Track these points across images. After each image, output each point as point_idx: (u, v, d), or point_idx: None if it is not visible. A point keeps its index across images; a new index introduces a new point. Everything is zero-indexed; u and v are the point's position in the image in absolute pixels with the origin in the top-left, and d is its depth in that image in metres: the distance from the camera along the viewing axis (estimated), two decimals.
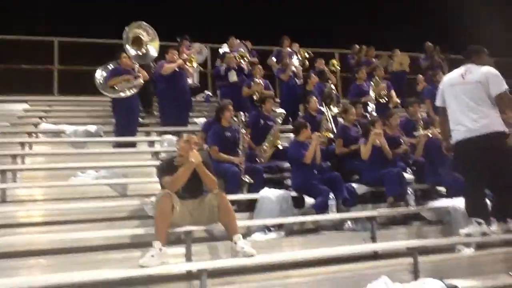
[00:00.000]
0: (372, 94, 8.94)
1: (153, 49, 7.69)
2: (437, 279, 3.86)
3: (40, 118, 8.60)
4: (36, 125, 8.08)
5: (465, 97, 4.55)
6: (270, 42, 11.21)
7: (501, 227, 4.49)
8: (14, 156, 6.25)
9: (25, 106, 9.24)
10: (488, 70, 4.60)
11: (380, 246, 4.95)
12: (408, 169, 6.42)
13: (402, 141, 6.56)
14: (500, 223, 4.51)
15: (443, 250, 4.92)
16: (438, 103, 4.84)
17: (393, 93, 9.20)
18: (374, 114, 8.55)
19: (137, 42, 7.57)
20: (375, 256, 4.85)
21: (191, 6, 14.55)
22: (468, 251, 4.83)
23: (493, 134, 4.46)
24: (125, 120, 7.49)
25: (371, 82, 9.17)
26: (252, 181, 5.72)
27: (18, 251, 4.37)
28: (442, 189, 6.11)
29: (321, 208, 5.38)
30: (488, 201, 4.62)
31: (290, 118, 8.43)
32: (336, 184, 5.60)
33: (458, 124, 4.55)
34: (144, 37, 7.60)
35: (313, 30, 14.41)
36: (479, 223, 4.43)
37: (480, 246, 4.89)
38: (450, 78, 4.79)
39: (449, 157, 5.27)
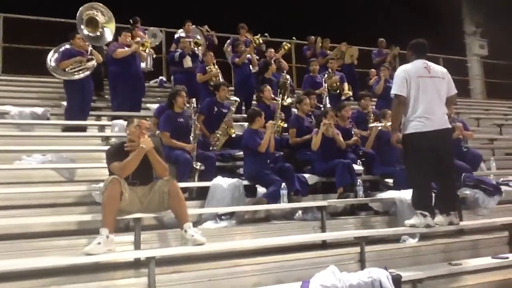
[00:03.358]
0: (325, 85, 9.05)
1: (108, 32, 7.46)
2: (382, 268, 3.96)
3: None
4: None
5: (434, 90, 4.63)
6: (228, 30, 11.12)
7: (444, 219, 4.65)
8: None
9: None
10: (444, 69, 4.80)
11: (329, 235, 5.04)
12: (358, 161, 6.55)
13: (353, 132, 6.70)
14: (443, 215, 4.66)
15: (389, 240, 5.08)
16: (400, 92, 4.65)
17: (345, 85, 9.36)
18: (328, 105, 8.68)
19: (93, 23, 7.31)
20: (324, 245, 4.94)
21: None
22: (412, 242, 4.99)
23: (448, 130, 4.72)
24: (78, 103, 7.25)
25: (325, 74, 9.28)
26: (203, 167, 5.68)
27: None
28: (390, 180, 6.29)
29: (273, 197, 5.41)
30: (432, 194, 4.78)
31: (243, 107, 8.42)
32: (288, 175, 5.64)
33: (422, 116, 4.56)
34: (100, 18, 7.35)
35: (270, 20, 14.40)
36: (424, 215, 4.59)
37: (423, 237, 5.06)
38: (414, 69, 4.70)
39: (398, 149, 5.41)
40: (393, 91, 4.75)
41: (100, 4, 7.45)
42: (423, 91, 4.63)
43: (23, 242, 4.13)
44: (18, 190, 5.07)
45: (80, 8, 7.31)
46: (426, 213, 4.60)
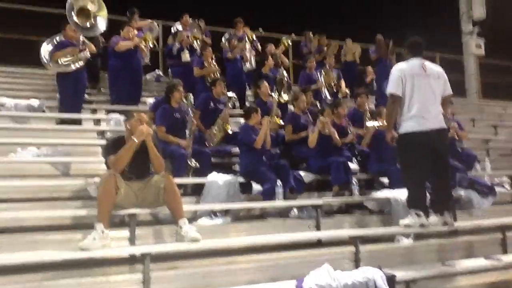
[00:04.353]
0: (322, 82, 9.04)
1: (101, 21, 7.28)
2: (376, 268, 3.98)
3: None
4: None
5: (429, 90, 4.63)
6: (226, 24, 11.07)
7: (438, 219, 4.66)
8: None
9: None
10: (441, 68, 4.80)
11: (324, 234, 5.05)
12: (354, 159, 6.56)
13: (350, 131, 6.70)
14: (438, 215, 4.68)
15: (383, 239, 5.09)
16: (395, 91, 4.65)
17: (342, 82, 9.35)
18: (329, 98, 8.69)
19: (84, 13, 7.13)
20: (319, 244, 4.96)
21: None
22: (407, 241, 5.01)
23: (444, 130, 4.73)
24: (71, 95, 7.16)
25: (322, 71, 9.27)
26: (198, 165, 5.66)
27: None
28: (385, 179, 6.30)
29: (268, 195, 5.41)
30: (427, 194, 4.80)
31: (235, 103, 8.39)
32: (284, 172, 5.64)
33: (418, 116, 4.56)
34: (91, 7, 7.17)
35: (268, 15, 14.37)
36: (418, 215, 4.61)
37: (417, 237, 5.08)
38: (410, 68, 4.68)
39: (393, 148, 5.42)
40: (388, 90, 4.76)
41: None
42: (418, 90, 4.62)
43: (17, 235, 4.14)
44: (12, 183, 5.04)
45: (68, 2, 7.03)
46: (421, 213, 4.61)
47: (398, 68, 4.77)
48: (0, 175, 5.24)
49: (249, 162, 5.78)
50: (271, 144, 6.00)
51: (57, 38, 7.37)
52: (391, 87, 4.70)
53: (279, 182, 5.38)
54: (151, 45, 8.94)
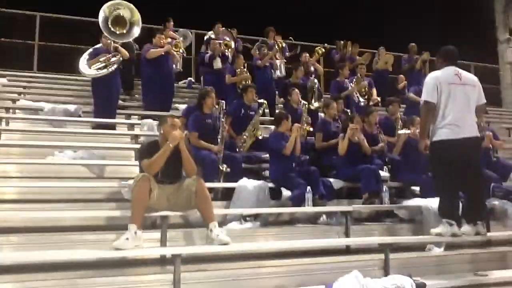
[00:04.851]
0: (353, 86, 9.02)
1: (135, 27, 7.42)
2: (406, 276, 3.94)
3: (19, 94, 8.44)
4: (14, 100, 7.94)
5: (464, 98, 4.59)
6: (258, 32, 11.19)
7: (471, 229, 4.58)
8: None
9: (4, 81, 9.04)
10: (475, 77, 4.75)
11: (353, 241, 5.02)
12: (384, 167, 6.51)
13: (380, 139, 6.66)
14: (470, 225, 4.60)
15: (413, 248, 5.01)
16: (430, 99, 4.60)
17: (374, 91, 9.31)
18: (362, 103, 8.64)
19: (120, 21, 7.35)
20: (347, 250, 4.93)
21: None
22: (438, 251, 4.93)
23: (477, 138, 4.66)
24: (104, 100, 7.40)
25: (353, 79, 9.25)
26: (228, 170, 5.73)
27: None
28: (416, 188, 6.23)
29: (298, 201, 5.43)
30: (460, 203, 4.73)
31: (266, 109, 8.45)
32: (313, 178, 5.65)
33: (452, 124, 4.51)
34: (125, 13, 7.35)
35: (300, 23, 14.44)
36: (450, 224, 4.54)
37: (449, 246, 4.99)
38: (445, 76, 4.65)
39: (425, 156, 5.36)
40: (423, 98, 4.72)
41: (118, 0, 7.31)
42: (453, 98, 4.58)
43: (54, 235, 4.25)
44: (50, 184, 5.22)
45: (101, 12, 7.22)
46: (453, 222, 4.54)
47: (433, 76, 4.73)
48: (38, 177, 5.45)
49: (279, 168, 5.81)
50: (300, 151, 6.03)
51: (95, 46, 7.62)
52: (426, 95, 4.66)
53: (308, 188, 5.39)
54: (182, 52, 9.08)
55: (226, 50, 9.09)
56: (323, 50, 10.18)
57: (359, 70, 9.50)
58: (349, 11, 15.81)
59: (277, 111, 7.63)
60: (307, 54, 9.87)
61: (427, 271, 4.56)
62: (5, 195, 5.05)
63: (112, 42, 7.38)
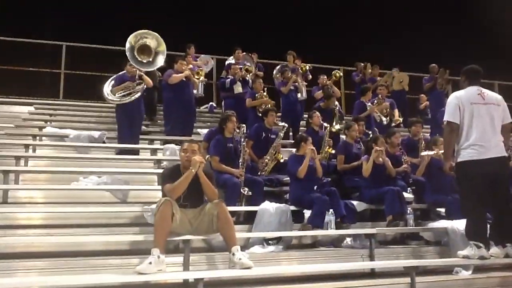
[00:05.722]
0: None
1: (160, 56, 7.64)
2: None
3: (45, 121, 8.66)
4: (40, 128, 8.14)
5: (488, 117, 4.54)
6: (277, 56, 11.31)
7: (500, 251, 4.46)
8: (17, 158, 6.29)
9: (31, 108, 9.31)
10: (499, 95, 4.68)
11: (377, 264, 4.95)
12: (408, 189, 6.43)
13: (403, 160, 6.59)
14: (499, 247, 4.48)
15: (440, 271, 4.92)
16: (452, 119, 4.57)
17: (396, 112, 9.26)
18: (384, 123, 8.59)
19: (146, 50, 7.57)
20: (372, 274, 4.86)
21: (199, 18, 14.73)
22: (466, 274, 4.81)
23: (504, 158, 4.57)
24: (127, 126, 7.56)
25: (374, 100, 9.22)
26: (250, 193, 5.74)
27: (16, 252, 4.40)
28: (441, 210, 6.12)
29: (317, 218, 5.39)
30: (488, 224, 4.62)
31: (290, 133, 8.48)
32: (333, 199, 5.60)
33: (476, 144, 4.46)
34: (151, 43, 7.59)
35: (318, 46, 14.54)
36: (478, 246, 4.43)
37: (478, 269, 4.87)
38: (467, 96, 4.62)
39: (450, 177, 5.28)
40: (445, 118, 4.68)
41: (145, 30, 7.54)
42: (477, 118, 4.53)
43: (78, 259, 4.29)
44: (74, 209, 5.31)
45: (128, 41, 7.40)
46: (481, 244, 4.43)
47: (455, 96, 4.70)
48: (63, 202, 5.57)
49: (297, 190, 5.82)
50: (322, 173, 6.00)
51: (119, 74, 7.82)
52: (448, 115, 4.63)
53: (331, 211, 5.35)
54: (203, 79, 9.22)
55: (247, 75, 9.19)
56: (340, 73, 10.23)
57: (379, 91, 9.47)
58: (369, 32, 15.88)
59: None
60: (325, 76, 9.93)
61: None
62: (32, 220, 5.15)
63: (137, 70, 7.58)
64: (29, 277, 3.99)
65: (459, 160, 4.58)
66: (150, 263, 3.84)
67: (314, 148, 5.92)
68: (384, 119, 8.80)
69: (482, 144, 4.46)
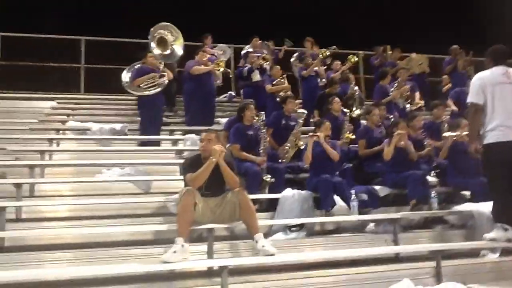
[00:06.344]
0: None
1: (178, 48, 7.82)
2: (460, 283, 3.79)
3: (67, 115, 8.79)
4: (63, 122, 8.26)
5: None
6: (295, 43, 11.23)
7: None
8: (42, 152, 6.39)
9: (53, 103, 9.45)
10: None
11: (402, 248, 4.90)
12: (432, 172, 6.34)
13: (426, 143, 6.50)
14: None
15: (466, 254, 4.84)
16: (476, 100, 4.51)
17: (417, 95, 9.13)
18: (407, 109, 8.50)
19: (162, 42, 7.72)
20: (397, 259, 4.80)
21: (216, 8, 14.70)
22: (493, 257, 4.74)
23: None
24: (150, 118, 7.63)
25: (395, 84, 9.09)
26: (273, 180, 5.74)
27: (45, 244, 4.50)
28: (466, 192, 6.03)
29: (323, 202, 5.39)
30: None
31: (311, 119, 8.43)
32: (341, 189, 5.55)
33: (502, 126, 4.38)
34: (169, 37, 7.74)
35: (335, 32, 14.36)
36: (505, 229, 4.36)
37: (506, 252, 4.78)
38: (491, 77, 4.54)
39: (474, 159, 5.18)
40: (468, 100, 4.61)
41: (169, 24, 7.86)
42: (501, 98, 4.44)
43: (103, 250, 4.37)
44: (99, 201, 5.37)
45: (151, 29, 7.76)
46: (508, 227, 4.37)
47: (479, 77, 4.62)
48: (88, 194, 5.65)
49: (312, 177, 5.82)
50: (343, 159, 5.96)
51: (137, 65, 7.91)
52: (472, 97, 4.56)
53: (353, 196, 5.31)
54: (223, 70, 9.24)
55: (264, 63, 9.15)
56: (356, 58, 10.11)
57: (400, 74, 9.32)
58: (387, 15, 15.61)
59: None
60: (339, 62, 9.83)
61: (482, 278, 4.40)
62: (59, 212, 5.25)
63: (159, 62, 7.70)
64: (57, 268, 4.10)
65: (485, 142, 4.50)
66: (175, 252, 3.89)
67: (318, 134, 5.86)
68: (404, 104, 8.67)
69: (508, 125, 4.37)
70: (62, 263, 4.17)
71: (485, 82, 4.51)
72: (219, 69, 8.73)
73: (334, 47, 9.66)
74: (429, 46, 11.72)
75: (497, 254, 4.76)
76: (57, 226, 4.94)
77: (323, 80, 9.25)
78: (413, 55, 11.19)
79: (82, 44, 11.25)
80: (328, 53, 9.58)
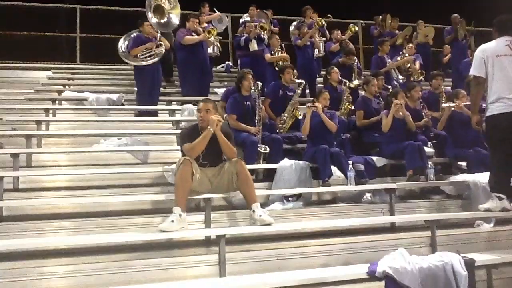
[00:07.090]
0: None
1: (175, 17, 7.67)
2: (454, 253, 3.84)
3: (64, 85, 8.72)
4: (59, 92, 8.20)
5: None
6: (293, 12, 11.06)
7: None
8: (38, 122, 6.37)
9: (49, 73, 9.36)
10: None
11: (398, 218, 4.95)
12: (429, 143, 6.35)
13: (424, 114, 6.48)
14: None
15: (461, 224, 4.90)
16: (478, 73, 4.46)
17: (417, 63, 9.08)
18: (400, 81, 8.46)
19: (159, 10, 7.56)
20: (393, 228, 4.88)
21: None
22: (488, 227, 4.78)
23: None
24: (147, 88, 7.56)
25: (398, 57, 9.04)
26: (268, 150, 5.74)
27: (43, 214, 4.53)
28: (463, 163, 6.05)
29: (320, 172, 5.41)
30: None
31: (307, 90, 8.38)
32: (338, 159, 5.57)
33: (504, 97, 4.33)
34: (166, 5, 7.58)
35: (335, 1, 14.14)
36: (500, 198, 4.39)
37: (500, 222, 4.84)
38: (493, 48, 4.47)
39: (472, 130, 5.18)
40: (471, 72, 4.57)
41: None
42: (503, 70, 4.38)
43: (101, 219, 4.40)
44: (96, 171, 5.40)
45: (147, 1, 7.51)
46: (503, 196, 4.38)
47: (481, 49, 4.56)
48: (85, 164, 5.66)
49: (309, 147, 5.83)
50: (341, 130, 5.95)
51: (134, 34, 7.80)
52: (474, 69, 4.51)
53: (350, 167, 5.33)
54: (215, 37, 9.08)
55: (262, 32, 9.02)
56: (357, 27, 9.98)
57: (407, 50, 9.23)
58: None
59: None
60: (339, 31, 9.71)
61: (476, 248, 4.44)
62: (57, 182, 5.26)
63: (156, 31, 7.59)
64: (56, 237, 4.14)
65: (488, 114, 4.47)
66: (172, 221, 3.90)
67: (316, 105, 5.82)
68: (400, 77, 8.62)
69: (509, 96, 4.34)
70: (61, 233, 4.21)
71: (486, 54, 4.46)
72: (210, 37, 8.59)
73: (329, 15, 9.53)
74: (431, 15, 11.54)
75: (491, 224, 4.81)
76: (55, 196, 4.96)
77: (320, 51, 9.14)
78: (421, 24, 11.03)
79: (77, 13, 11.05)
80: (323, 22, 9.44)
